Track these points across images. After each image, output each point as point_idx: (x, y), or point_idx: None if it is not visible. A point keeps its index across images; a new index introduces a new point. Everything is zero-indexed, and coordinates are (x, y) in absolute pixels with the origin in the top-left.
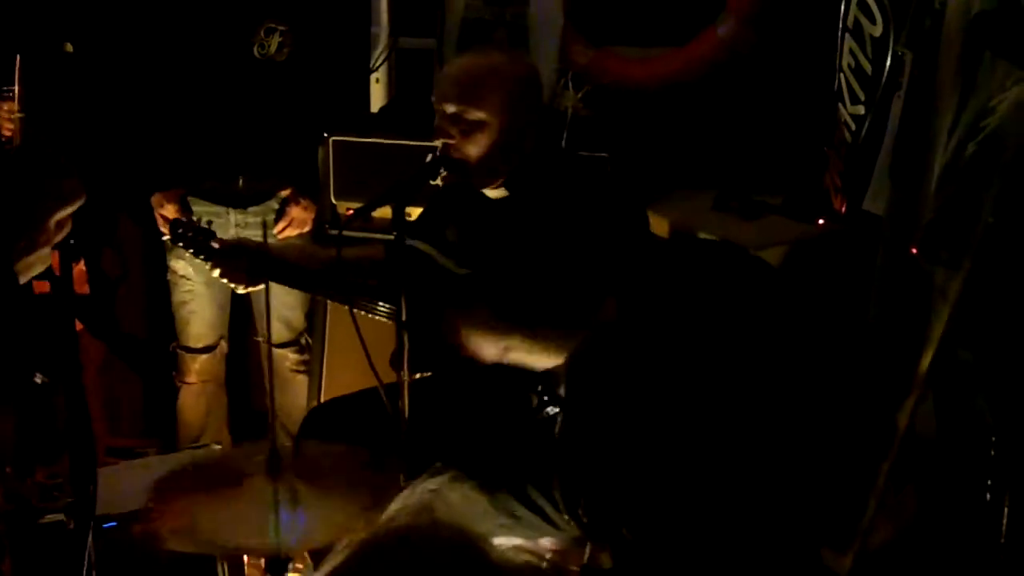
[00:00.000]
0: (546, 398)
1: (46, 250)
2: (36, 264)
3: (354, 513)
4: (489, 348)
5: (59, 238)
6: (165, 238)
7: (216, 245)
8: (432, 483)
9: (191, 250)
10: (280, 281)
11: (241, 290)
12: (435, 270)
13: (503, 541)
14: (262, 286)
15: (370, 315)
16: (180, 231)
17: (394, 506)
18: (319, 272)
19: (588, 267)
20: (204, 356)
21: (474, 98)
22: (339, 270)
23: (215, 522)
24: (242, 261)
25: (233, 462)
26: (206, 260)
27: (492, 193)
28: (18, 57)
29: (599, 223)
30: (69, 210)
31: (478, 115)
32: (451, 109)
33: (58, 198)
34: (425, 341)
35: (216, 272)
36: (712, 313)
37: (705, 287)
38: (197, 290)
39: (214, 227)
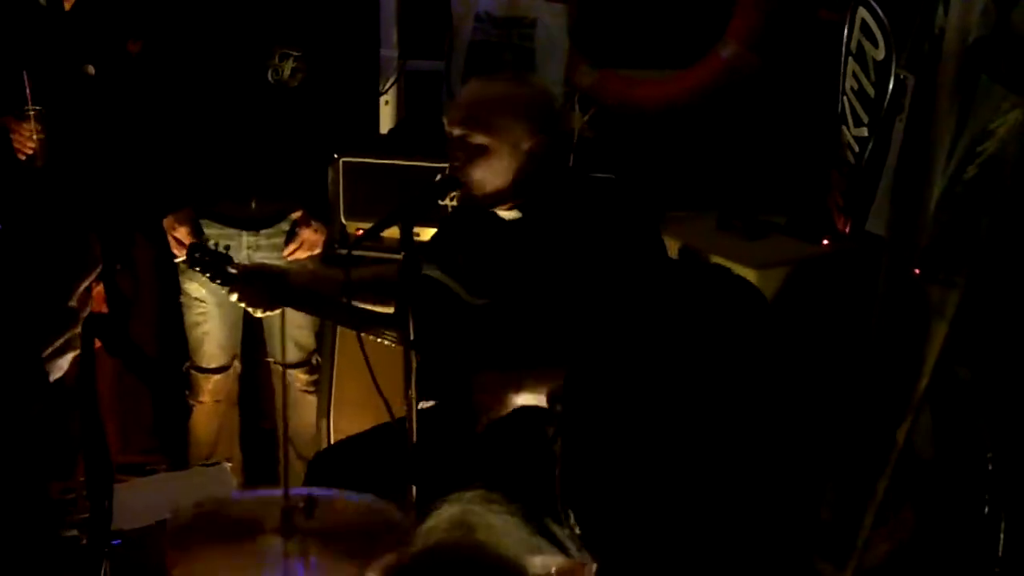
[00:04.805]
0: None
1: (76, 331)
2: (68, 354)
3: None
4: (508, 400)
5: (84, 313)
6: (178, 260)
7: (233, 270)
8: (471, 503)
9: (208, 274)
10: (296, 307)
11: (259, 314)
12: (448, 300)
13: (539, 564)
14: (279, 310)
15: (378, 339)
16: (197, 255)
17: (430, 522)
18: (334, 299)
19: (601, 288)
20: (217, 376)
21: (477, 123)
22: (350, 291)
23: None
24: (259, 286)
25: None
26: (223, 284)
27: (506, 214)
28: (26, 75)
29: (614, 244)
30: (90, 279)
31: (480, 139)
32: (456, 132)
33: (84, 266)
34: (434, 369)
35: (234, 296)
36: (706, 335)
37: (700, 311)
38: (210, 311)
39: (227, 250)
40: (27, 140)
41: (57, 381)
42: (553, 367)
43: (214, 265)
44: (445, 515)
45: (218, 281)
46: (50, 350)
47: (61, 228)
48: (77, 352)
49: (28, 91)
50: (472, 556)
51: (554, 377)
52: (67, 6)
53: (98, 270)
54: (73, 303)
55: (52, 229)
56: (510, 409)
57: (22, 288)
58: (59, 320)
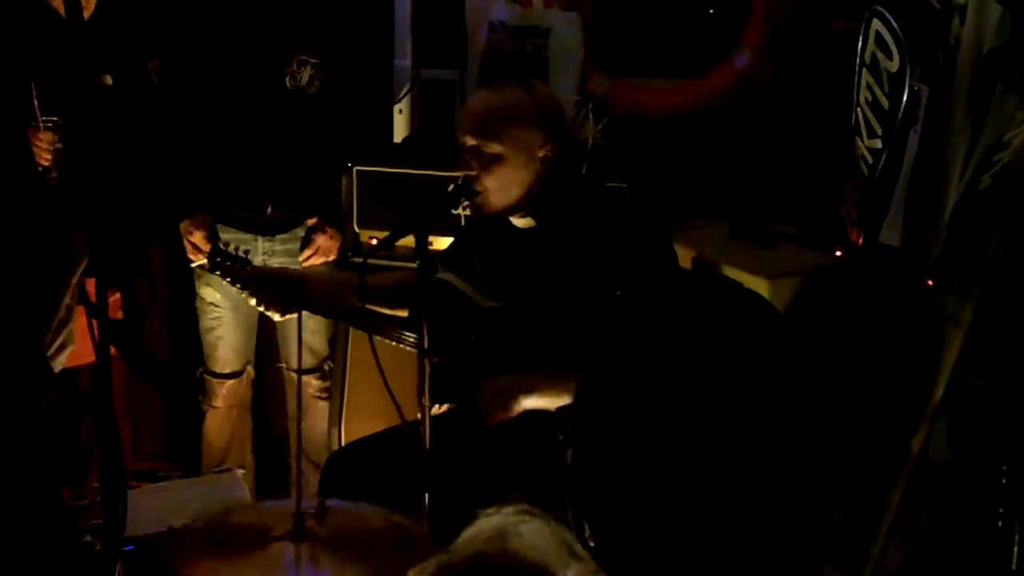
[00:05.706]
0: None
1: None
2: (66, 350)
3: None
4: (517, 403)
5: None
6: (194, 265)
7: (252, 274)
8: (507, 513)
9: (228, 278)
10: (314, 311)
11: (277, 318)
12: (463, 303)
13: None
14: (296, 314)
15: (399, 344)
16: (218, 260)
17: (468, 532)
18: (351, 303)
19: (613, 297)
20: (231, 381)
21: (490, 133)
22: (364, 298)
23: None
24: (278, 289)
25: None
26: (242, 288)
27: (520, 222)
28: (33, 87)
29: (629, 253)
30: (79, 272)
31: (494, 149)
32: (470, 142)
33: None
34: (449, 374)
35: (253, 300)
36: (715, 346)
37: (708, 321)
38: (225, 316)
39: (246, 255)
40: (43, 151)
41: (69, 387)
42: (565, 373)
43: (234, 269)
44: (484, 526)
45: (238, 285)
46: (54, 348)
47: (47, 228)
48: (73, 346)
49: (36, 103)
50: (508, 566)
51: (566, 382)
52: (86, 16)
53: (84, 263)
54: (68, 300)
55: (38, 230)
56: (517, 412)
57: (22, 289)
58: (56, 317)
